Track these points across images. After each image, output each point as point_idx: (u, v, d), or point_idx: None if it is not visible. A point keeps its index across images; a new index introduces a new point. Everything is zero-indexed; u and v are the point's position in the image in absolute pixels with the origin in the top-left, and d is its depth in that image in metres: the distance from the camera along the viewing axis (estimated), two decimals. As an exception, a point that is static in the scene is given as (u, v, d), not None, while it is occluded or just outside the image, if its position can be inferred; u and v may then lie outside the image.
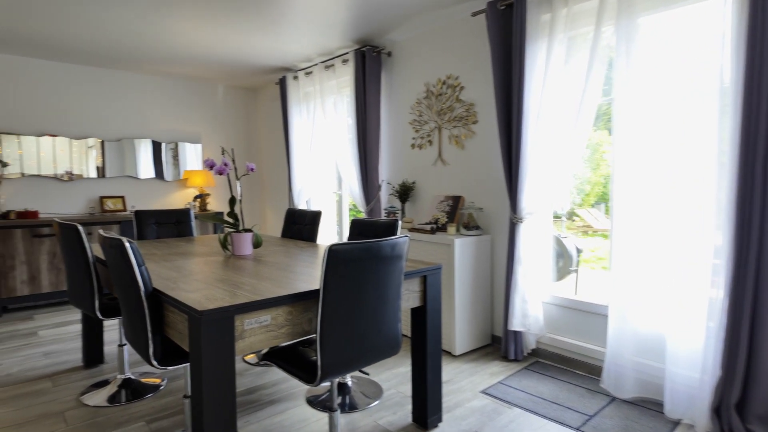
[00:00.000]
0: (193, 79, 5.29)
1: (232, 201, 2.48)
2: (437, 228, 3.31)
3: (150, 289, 1.67)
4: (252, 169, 2.45)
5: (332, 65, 4.30)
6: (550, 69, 2.63)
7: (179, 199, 5.38)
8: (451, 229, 3.11)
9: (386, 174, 4.08)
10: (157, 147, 5.18)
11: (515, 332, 2.88)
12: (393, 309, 1.75)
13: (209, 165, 2.31)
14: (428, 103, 3.65)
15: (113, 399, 2.43)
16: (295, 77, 4.84)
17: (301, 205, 4.94)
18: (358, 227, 2.74)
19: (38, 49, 4.12)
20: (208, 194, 5.34)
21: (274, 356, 1.81)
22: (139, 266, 1.64)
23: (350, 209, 4.82)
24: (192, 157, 5.44)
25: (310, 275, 1.93)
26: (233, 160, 2.47)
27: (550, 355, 2.90)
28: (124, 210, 4.91)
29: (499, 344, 3.17)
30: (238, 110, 5.81)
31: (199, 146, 5.48)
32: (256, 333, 1.55)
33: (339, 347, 1.59)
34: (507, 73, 2.89)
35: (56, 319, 3.92)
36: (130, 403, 2.41)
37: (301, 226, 3.25)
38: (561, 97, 2.61)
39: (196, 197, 5.27)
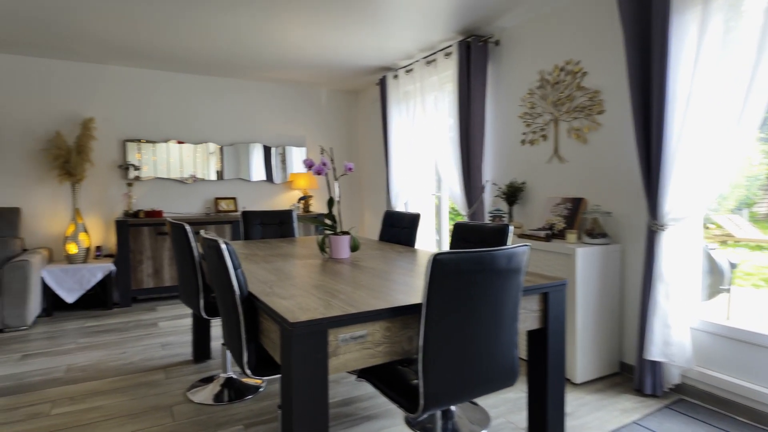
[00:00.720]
0: (298, 84, 5.43)
1: (330, 202, 2.38)
2: (553, 234, 2.92)
3: (245, 293, 1.59)
4: (350, 169, 2.32)
5: (434, 60, 4.09)
6: (705, 45, 2.13)
7: (285, 200, 5.56)
8: (571, 236, 2.70)
9: (491, 174, 3.76)
10: (267, 151, 5.40)
11: (653, 362, 2.39)
12: (509, 332, 1.47)
13: (308, 165, 2.23)
14: (542, 94, 3.26)
15: (217, 398, 2.46)
16: (395, 76, 4.71)
17: (399, 207, 4.79)
18: (461, 232, 2.48)
19: (164, 62, 4.49)
20: (311, 196, 5.44)
21: (371, 373, 1.63)
22: (235, 269, 1.56)
23: (450, 213, 4.56)
24: (297, 160, 5.59)
25: (408, 285, 1.72)
26: (332, 160, 2.36)
27: (700, 394, 2.36)
28: (236, 210, 5.18)
29: (630, 374, 2.68)
30: (340, 114, 5.86)
31: (303, 150, 5.61)
32: (351, 350, 1.37)
33: (444, 374, 1.35)
34: (644, 52, 2.42)
35: (175, 312, 4.21)
36: (231, 404, 2.41)
37: (399, 229, 3.07)
38: (720, 80, 2.10)
39: (300, 199, 5.40)
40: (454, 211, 4.59)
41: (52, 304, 4.23)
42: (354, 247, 2.44)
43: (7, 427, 2.17)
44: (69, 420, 2.23)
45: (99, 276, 4.15)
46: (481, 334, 1.40)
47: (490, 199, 3.77)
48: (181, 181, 4.95)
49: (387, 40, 3.88)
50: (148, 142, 4.75)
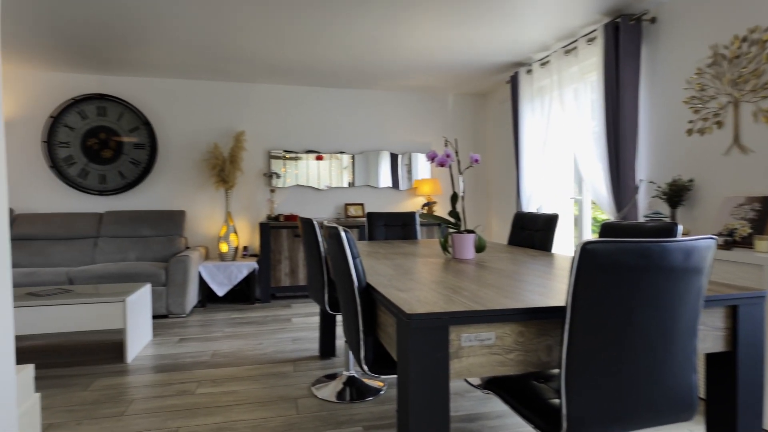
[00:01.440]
0: (425, 90, 5.41)
1: (454, 198, 2.22)
2: (734, 242, 2.35)
3: (363, 284, 1.51)
4: (476, 161, 2.14)
5: (573, 48, 3.69)
6: None
7: (409, 206, 5.54)
8: (762, 243, 2.13)
9: (646, 172, 3.22)
10: (393, 158, 5.46)
11: None
12: (684, 351, 1.14)
13: (431, 156, 2.11)
14: (716, 72, 2.68)
15: (339, 395, 2.44)
16: (529, 71, 4.38)
17: (531, 211, 4.40)
18: (610, 233, 2.10)
19: (304, 77, 4.83)
20: (434, 202, 5.34)
21: (499, 386, 1.41)
22: (354, 258, 1.49)
23: (593, 219, 4.04)
24: (422, 166, 5.55)
25: (546, 287, 1.47)
26: (456, 152, 2.21)
27: None
28: (363, 216, 5.31)
29: None
30: (466, 118, 5.68)
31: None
32: (477, 353, 1.19)
33: (593, 396, 1.09)
34: None
35: (307, 309, 4.42)
36: (352, 403, 2.37)
37: (531, 231, 2.77)
38: None
39: (424, 205, 5.33)
40: (597, 221, 4.06)
41: (207, 296, 4.77)
42: (480, 248, 2.24)
43: (161, 399, 2.41)
44: (209, 400, 2.41)
45: (244, 273, 4.57)
46: (645, 350, 1.10)
47: (645, 201, 3.22)
48: (315, 188, 5.25)
49: (519, 32, 3.61)
50: (288, 152, 5.13)
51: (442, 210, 5.63)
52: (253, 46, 3.88)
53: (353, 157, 5.33)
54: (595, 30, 3.42)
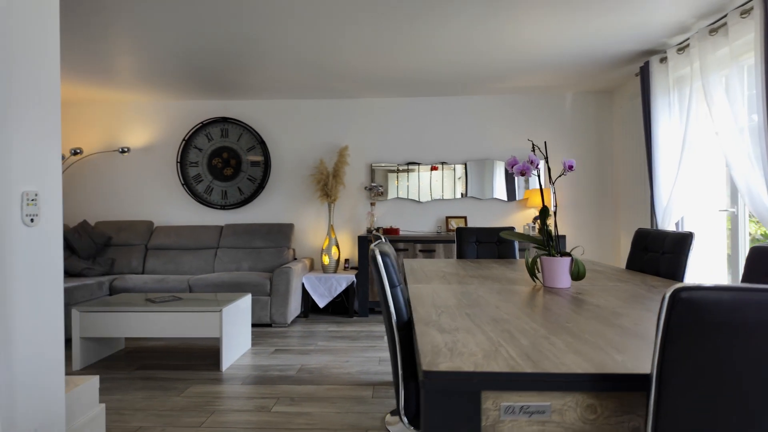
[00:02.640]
0: (535, 91, 4.91)
1: (544, 213, 1.85)
2: None
3: (404, 318, 1.28)
4: (570, 167, 1.75)
5: (722, 26, 2.96)
6: None
7: (519, 220, 5.05)
8: None
9: (834, 177, 2.39)
10: (498, 167, 5.06)
11: None
12: None
13: (511, 164, 1.78)
14: None
15: None
16: (663, 59, 3.67)
17: (669, 227, 3.64)
18: (763, 263, 1.54)
19: (403, 89, 4.73)
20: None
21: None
22: (392, 287, 1.27)
23: (752, 236, 3.18)
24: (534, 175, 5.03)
25: (646, 339, 1.08)
26: (546, 159, 1.84)
27: None
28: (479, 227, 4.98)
29: None
30: (588, 119, 5.01)
31: (541, 162, 5.01)
32: (524, 429, 0.88)
33: None
34: None
35: (402, 328, 4.24)
36: (425, 443, 2.11)
37: (655, 254, 2.22)
38: None
39: (535, 218, 4.81)
40: (758, 239, 3.19)
41: (311, 307, 4.89)
42: (577, 275, 1.82)
43: (238, 414, 2.44)
44: (281, 420, 2.36)
45: (343, 285, 4.58)
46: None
47: (830, 216, 2.40)
48: (416, 201, 5.09)
49: (649, 13, 3.02)
50: (389, 164, 5.06)
51: (558, 224, 5.03)
52: (355, 62, 3.90)
53: (454, 168, 5.05)
54: (749, 0, 2.69)
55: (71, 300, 3.82)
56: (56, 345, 1.25)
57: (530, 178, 5.05)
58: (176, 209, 5.24)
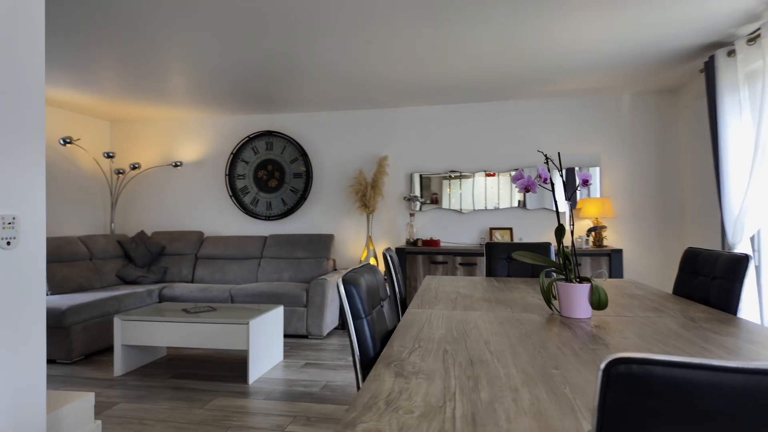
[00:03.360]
0: (589, 93, 4.55)
1: (560, 232, 1.64)
2: None
3: (370, 354, 1.16)
4: (586, 182, 1.53)
5: (800, 9, 2.54)
6: None
7: (574, 230, 4.69)
8: None
9: None
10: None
11: None
12: None
13: (517, 178, 1.59)
14: None
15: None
16: (730, 52, 3.23)
17: (742, 242, 3.19)
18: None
19: (443, 96, 4.58)
20: (603, 227, 4.39)
21: None
22: (356, 318, 1.16)
23: None
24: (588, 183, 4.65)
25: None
26: (561, 169, 1.64)
27: None
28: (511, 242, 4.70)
29: None
30: (649, 121, 4.56)
31: (596, 170, 4.63)
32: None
33: None
34: None
35: (438, 345, 4.07)
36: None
37: (706, 278, 1.91)
38: None
39: (589, 230, 4.44)
40: None
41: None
42: (598, 304, 1.60)
43: (253, 431, 2.42)
44: (291, 440, 2.30)
45: (380, 299, 4.49)
46: None
47: None
48: (458, 211, 4.90)
49: (713, 1, 2.67)
50: (430, 173, 4.92)
51: (615, 236, 4.61)
52: (393, 71, 3.83)
53: (497, 176, 4.80)
54: (834, -25, 2.28)
55: (122, 307, 4.06)
56: (36, 367, 1.28)
57: (590, 186, 4.66)
58: (224, 220, 5.44)
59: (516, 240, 4.81)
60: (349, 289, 1.20)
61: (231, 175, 5.38)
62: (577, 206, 4.64)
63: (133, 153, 5.65)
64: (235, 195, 5.38)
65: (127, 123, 5.66)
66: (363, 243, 5.11)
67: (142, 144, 5.63)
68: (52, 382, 3.18)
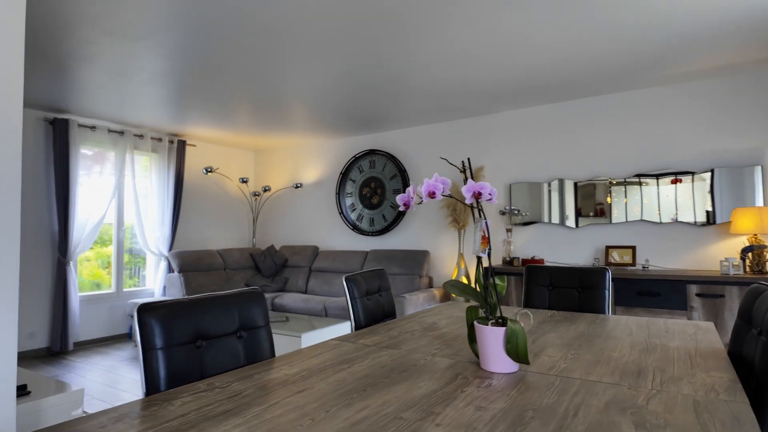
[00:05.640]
0: (734, 71, 3.42)
1: (480, 264, 1.29)
2: None
3: None
4: (478, 194, 1.15)
5: None
6: None
7: (719, 251, 3.57)
8: None
9: None
10: (680, 180, 3.72)
11: None
12: None
13: (403, 200, 1.29)
14: None
15: None
16: None
17: None
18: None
19: (545, 94, 4.05)
20: (765, 246, 3.22)
21: None
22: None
23: None
24: (745, 188, 3.49)
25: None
26: (465, 180, 1.27)
27: None
28: (633, 264, 3.82)
29: None
30: None
31: (758, 170, 3.45)
32: None
33: None
34: None
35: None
36: None
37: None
38: None
39: (744, 250, 3.31)
40: None
41: (441, 340, 4.59)
42: (516, 354, 1.18)
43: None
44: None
45: (468, 322, 4.15)
46: None
47: None
48: (566, 226, 4.22)
49: None
50: (532, 182, 4.38)
51: (788, 259, 3.33)
52: (478, 75, 3.60)
53: (609, 183, 3.97)
54: None
55: (234, 311, 4.67)
56: (5, 364, 1.59)
57: (726, 197, 3.47)
58: (335, 235, 5.80)
59: (640, 263, 3.88)
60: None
61: (340, 194, 5.72)
62: (730, 219, 3.52)
63: (269, 177, 6.50)
64: (344, 212, 5.69)
65: (267, 152, 6.56)
66: (456, 260, 4.82)
67: (274, 169, 6.44)
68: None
